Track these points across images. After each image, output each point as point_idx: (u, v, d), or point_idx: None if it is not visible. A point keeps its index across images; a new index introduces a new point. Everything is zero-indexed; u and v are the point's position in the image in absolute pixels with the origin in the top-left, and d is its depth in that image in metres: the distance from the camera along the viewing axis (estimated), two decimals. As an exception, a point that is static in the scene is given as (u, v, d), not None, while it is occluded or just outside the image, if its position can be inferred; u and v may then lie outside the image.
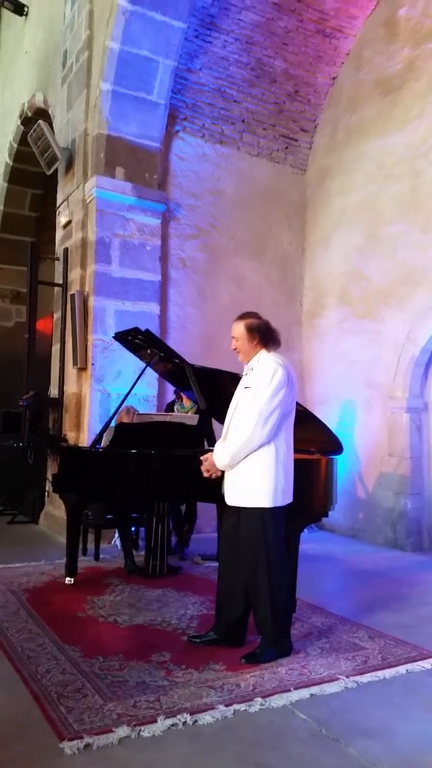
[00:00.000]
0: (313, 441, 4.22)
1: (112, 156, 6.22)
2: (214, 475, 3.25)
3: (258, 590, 3.14)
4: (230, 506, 3.23)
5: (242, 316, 3.35)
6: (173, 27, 6.06)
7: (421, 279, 6.09)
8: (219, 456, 3.17)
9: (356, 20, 6.96)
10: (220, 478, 3.31)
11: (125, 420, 4.99)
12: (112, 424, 4.64)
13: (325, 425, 4.16)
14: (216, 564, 5.09)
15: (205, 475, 3.27)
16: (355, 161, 6.99)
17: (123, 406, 4.79)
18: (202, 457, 3.30)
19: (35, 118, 7.67)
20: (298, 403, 4.27)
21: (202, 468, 3.28)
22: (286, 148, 7.53)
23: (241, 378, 4.18)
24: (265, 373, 3.14)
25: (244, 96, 7.07)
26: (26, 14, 8.85)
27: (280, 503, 3.15)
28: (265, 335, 3.25)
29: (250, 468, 3.12)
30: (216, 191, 7.09)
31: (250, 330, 3.24)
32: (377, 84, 6.77)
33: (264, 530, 3.12)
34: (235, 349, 3.33)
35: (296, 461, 3.88)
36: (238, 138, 7.22)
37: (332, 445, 4.14)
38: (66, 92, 6.86)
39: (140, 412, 5.44)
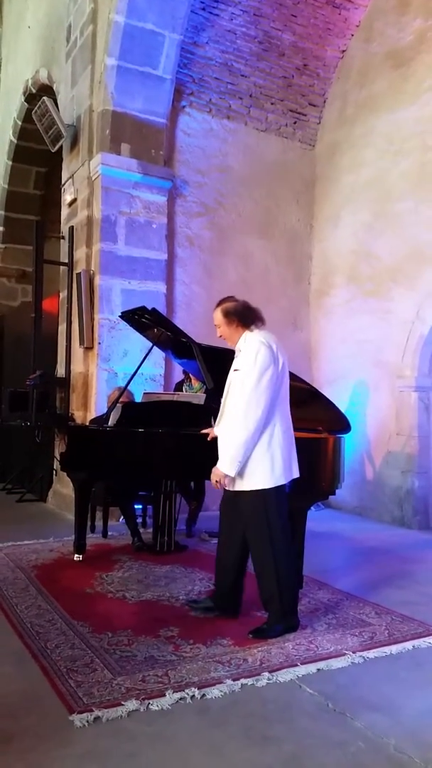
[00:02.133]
0: (320, 420, 4.22)
1: (117, 132, 6.14)
2: (227, 485, 3.16)
3: (263, 569, 3.16)
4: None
5: (219, 303, 3.34)
6: (179, -1, 5.95)
7: (430, 256, 6.02)
8: (224, 465, 3.08)
9: (366, -10, 6.81)
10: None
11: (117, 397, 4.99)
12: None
13: (332, 404, 4.15)
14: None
15: (217, 487, 3.18)
16: (364, 136, 6.88)
17: (128, 387, 4.79)
18: (213, 474, 3.15)
19: (39, 94, 7.57)
20: (305, 382, 4.27)
21: (212, 483, 3.16)
22: (295, 123, 7.42)
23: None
24: (249, 354, 3.12)
25: (251, 70, 6.95)
26: (29, -13, 8.70)
27: (280, 482, 3.14)
28: (243, 316, 3.24)
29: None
30: (223, 167, 7.01)
31: (227, 314, 3.24)
32: (388, 56, 6.64)
33: (266, 511, 3.12)
34: (221, 336, 3.33)
35: (304, 440, 3.88)
36: (245, 113, 7.11)
37: (340, 423, 4.13)
38: (70, 68, 6.76)
39: (147, 391, 5.44)
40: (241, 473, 3.12)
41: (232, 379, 3.22)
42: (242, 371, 3.12)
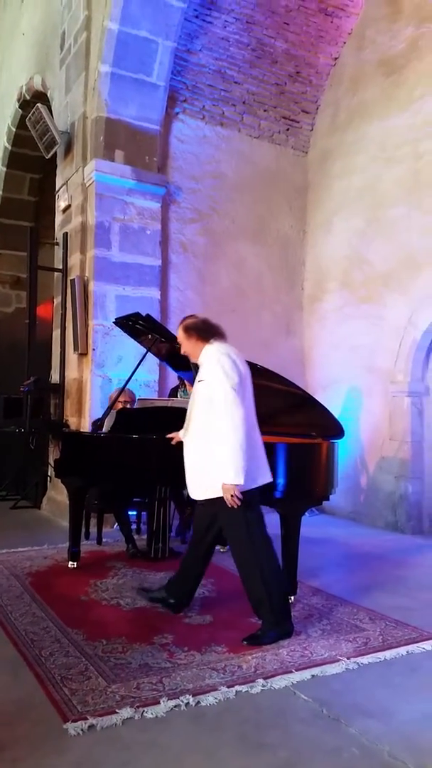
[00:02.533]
0: (314, 425, 4.23)
1: (111, 139, 6.16)
2: (237, 497, 3.09)
3: (248, 572, 3.21)
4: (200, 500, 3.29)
5: (180, 322, 3.46)
6: (173, 7, 5.98)
7: (422, 262, 6.06)
8: (229, 476, 3.05)
9: (358, -1, 6.86)
10: None
11: (120, 400, 5.01)
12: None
13: (326, 409, 4.17)
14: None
15: (234, 503, 3.08)
16: (356, 143, 6.92)
17: (128, 388, 4.80)
18: (228, 501, 3.11)
19: (33, 101, 7.59)
20: (299, 388, 4.29)
21: (230, 503, 3.09)
22: (287, 129, 7.46)
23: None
24: (211, 364, 3.19)
25: (244, 77, 6.99)
26: (23, -6, 8.73)
27: (249, 486, 3.12)
28: (201, 330, 3.33)
29: (211, 460, 3.15)
30: (216, 174, 7.04)
31: (186, 329, 3.35)
32: (380, 64, 6.69)
33: (241, 515, 3.14)
34: (184, 353, 3.42)
35: (298, 445, 3.90)
36: (238, 120, 7.14)
37: (333, 429, 4.14)
38: (64, 75, 6.78)
39: (141, 398, 5.45)
40: (210, 482, 3.16)
41: (197, 389, 3.28)
42: (206, 381, 3.19)
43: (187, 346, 3.37)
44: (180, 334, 3.39)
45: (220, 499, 3.14)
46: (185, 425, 3.39)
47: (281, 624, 3.18)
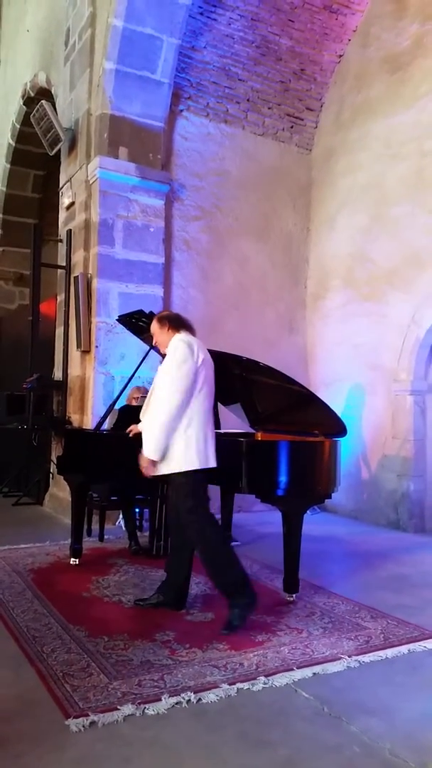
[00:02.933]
0: (317, 423, 4.23)
1: (115, 136, 6.16)
2: (152, 472, 3.34)
3: (201, 553, 3.37)
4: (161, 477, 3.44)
5: (156, 315, 3.69)
6: (177, 3, 5.97)
7: (426, 261, 6.05)
8: (148, 450, 3.29)
9: (363, -4, 6.84)
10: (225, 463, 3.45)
11: (134, 396, 5.02)
12: (117, 406, 4.64)
13: (329, 407, 4.16)
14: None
15: (148, 473, 3.35)
16: (361, 140, 6.90)
17: (129, 387, 4.79)
18: (143, 471, 3.36)
19: (38, 97, 7.59)
20: (302, 386, 4.29)
21: (143, 470, 3.35)
22: (292, 127, 7.44)
23: (242, 359, 4.20)
24: (171, 349, 3.37)
25: (249, 74, 6.97)
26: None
27: (198, 466, 3.30)
28: (173, 321, 3.53)
29: (174, 435, 3.30)
30: (220, 171, 7.03)
31: (160, 319, 3.56)
32: (384, 61, 6.67)
33: (189, 492, 3.32)
34: (155, 343, 3.61)
35: (300, 443, 3.90)
36: (242, 117, 7.13)
37: (336, 427, 4.14)
38: (69, 71, 6.77)
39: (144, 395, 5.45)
40: (163, 459, 3.31)
41: (158, 377, 3.44)
42: (165, 370, 3.37)
43: (159, 335, 3.54)
44: (154, 325, 3.57)
45: (172, 477, 3.34)
46: (143, 412, 3.53)
47: (239, 598, 3.27)
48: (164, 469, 3.35)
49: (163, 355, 3.49)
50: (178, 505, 3.41)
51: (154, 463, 3.31)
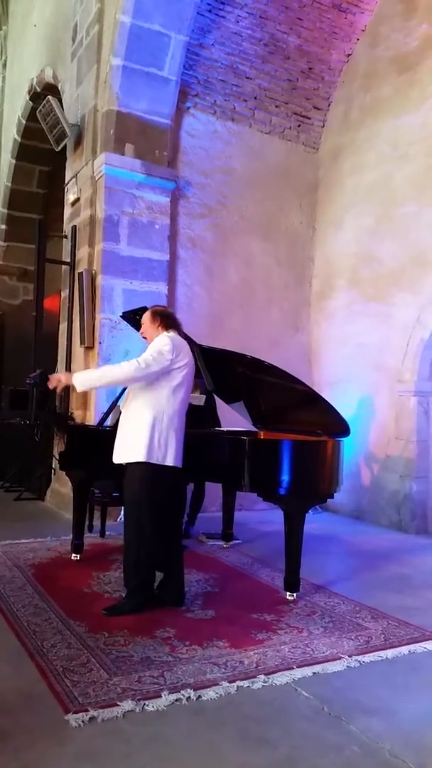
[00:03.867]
0: (320, 423, 4.22)
1: (121, 132, 6.15)
2: (58, 386, 3.59)
3: (128, 539, 3.45)
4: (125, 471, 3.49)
5: (150, 307, 3.79)
6: (186, 0, 5.95)
7: (432, 261, 6.03)
8: (78, 377, 3.46)
9: (372, -5, 6.82)
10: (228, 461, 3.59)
11: None
12: (120, 403, 4.63)
13: (332, 407, 4.15)
14: (220, 542, 5.16)
15: (51, 384, 3.55)
16: (368, 140, 6.88)
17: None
18: (56, 376, 3.58)
19: (44, 93, 7.58)
20: (305, 385, 4.28)
21: (52, 379, 3.55)
22: (299, 126, 7.43)
23: (246, 358, 4.18)
24: (154, 343, 3.49)
25: (256, 72, 6.96)
26: (36, -14, 8.71)
27: (159, 461, 3.38)
28: (165, 318, 3.63)
29: (134, 426, 3.41)
30: (226, 169, 7.02)
31: (154, 314, 3.64)
32: (393, 61, 6.65)
33: (141, 483, 3.38)
34: (142, 334, 3.69)
35: (303, 443, 3.89)
36: (249, 115, 7.12)
37: (339, 427, 4.13)
38: (76, 67, 6.77)
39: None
40: (126, 446, 3.41)
41: None
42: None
43: (148, 329, 3.62)
44: (146, 317, 3.64)
45: (129, 465, 3.41)
46: (124, 406, 3.58)
47: (138, 593, 3.41)
48: (127, 457, 3.42)
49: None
50: (126, 492, 3.47)
51: (65, 384, 3.53)
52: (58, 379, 3.55)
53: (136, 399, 3.48)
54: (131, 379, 3.39)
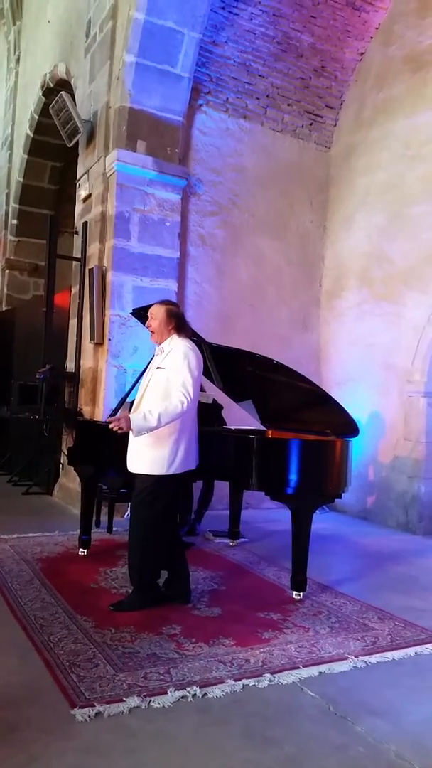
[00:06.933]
0: (329, 423, 4.22)
1: (133, 129, 6.15)
2: (118, 430, 3.31)
3: (133, 539, 3.48)
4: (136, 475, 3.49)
5: (163, 302, 3.69)
6: (199, -3, 5.94)
7: (443, 262, 6.00)
8: (141, 421, 3.25)
9: (387, -7, 6.79)
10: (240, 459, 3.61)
11: None
12: (129, 399, 4.64)
13: (342, 407, 4.15)
14: (227, 540, 5.16)
15: (113, 426, 3.32)
16: (381, 140, 6.85)
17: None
18: (117, 417, 3.35)
19: (57, 89, 7.59)
20: (314, 384, 4.28)
21: (114, 421, 3.32)
22: (311, 124, 7.40)
23: (256, 356, 4.18)
24: (179, 354, 3.40)
25: (269, 70, 6.94)
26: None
27: (173, 471, 3.41)
28: (180, 321, 3.58)
29: (151, 439, 3.37)
30: (238, 167, 7.00)
31: (170, 314, 3.56)
32: (407, 60, 6.61)
33: (151, 489, 3.39)
34: (149, 326, 3.60)
35: (312, 442, 3.89)
36: (262, 113, 7.10)
37: (348, 427, 4.13)
38: (89, 63, 6.77)
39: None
40: (147, 457, 3.40)
41: (154, 376, 3.48)
42: (168, 369, 3.40)
43: (160, 325, 3.54)
44: (162, 313, 3.55)
45: (150, 478, 3.40)
46: (133, 410, 3.51)
47: (144, 592, 3.45)
48: (139, 469, 3.44)
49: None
50: (135, 494, 3.47)
51: (126, 431, 3.32)
52: (119, 427, 3.30)
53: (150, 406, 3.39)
54: (186, 411, 3.33)
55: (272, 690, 2.58)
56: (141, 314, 4.64)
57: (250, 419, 4.91)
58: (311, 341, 7.47)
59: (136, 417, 3.26)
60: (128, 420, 3.27)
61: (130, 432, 3.47)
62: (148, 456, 3.41)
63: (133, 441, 3.49)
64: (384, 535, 5.94)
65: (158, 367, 3.48)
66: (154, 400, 3.39)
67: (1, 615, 3.27)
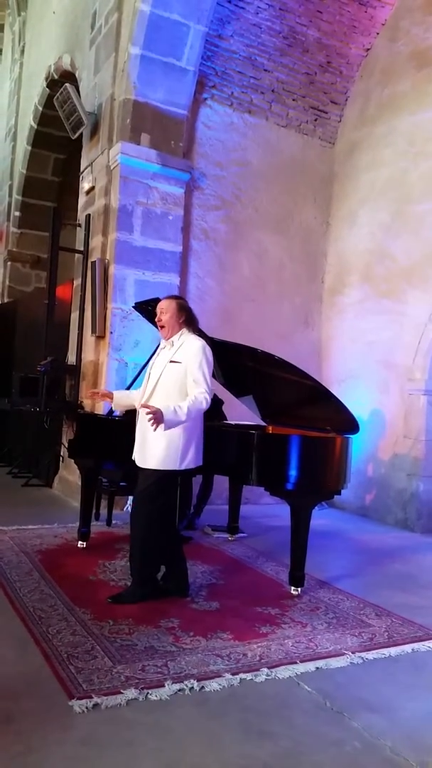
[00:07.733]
0: (329, 419, 4.22)
1: (138, 122, 6.13)
2: (153, 423, 3.20)
3: (135, 532, 3.48)
4: (143, 469, 3.49)
5: (173, 296, 3.76)
6: (205, -10, 5.91)
7: (446, 260, 5.99)
8: (172, 415, 3.23)
9: (394, -12, 6.75)
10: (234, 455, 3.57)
11: None
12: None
13: (342, 404, 4.15)
14: (226, 535, 5.17)
15: (150, 418, 3.19)
16: (385, 136, 6.83)
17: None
18: (150, 408, 3.23)
19: (61, 80, 7.57)
20: (315, 381, 4.28)
21: (149, 411, 3.20)
22: (316, 120, 7.38)
23: (257, 352, 4.18)
24: (195, 349, 3.43)
25: (274, 65, 6.91)
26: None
27: (181, 467, 3.43)
28: (190, 315, 3.61)
29: (162, 435, 3.34)
30: (242, 162, 6.99)
31: (180, 308, 3.59)
32: (413, 56, 6.58)
33: (158, 483, 3.40)
34: (159, 320, 3.59)
35: (311, 439, 3.89)
36: (266, 108, 7.08)
37: (348, 424, 4.13)
38: (94, 55, 6.74)
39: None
40: (152, 454, 3.40)
41: (167, 370, 3.46)
42: (183, 364, 3.42)
43: (171, 318, 3.55)
44: (173, 306, 3.56)
45: (159, 472, 3.39)
46: (146, 400, 3.46)
47: (145, 585, 3.46)
48: (148, 464, 3.44)
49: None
50: (140, 487, 3.47)
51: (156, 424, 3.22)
52: (155, 420, 3.20)
53: (161, 402, 3.32)
54: (198, 411, 3.37)
55: (269, 684, 2.60)
56: (143, 308, 4.64)
57: (250, 415, 4.91)
58: (312, 337, 7.47)
59: (167, 411, 3.23)
60: (160, 415, 3.20)
61: (137, 425, 3.48)
62: (161, 451, 3.38)
63: (142, 435, 3.47)
64: (382, 532, 5.95)
65: (171, 361, 3.45)
66: (171, 393, 3.39)
67: (0, 606, 3.29)
